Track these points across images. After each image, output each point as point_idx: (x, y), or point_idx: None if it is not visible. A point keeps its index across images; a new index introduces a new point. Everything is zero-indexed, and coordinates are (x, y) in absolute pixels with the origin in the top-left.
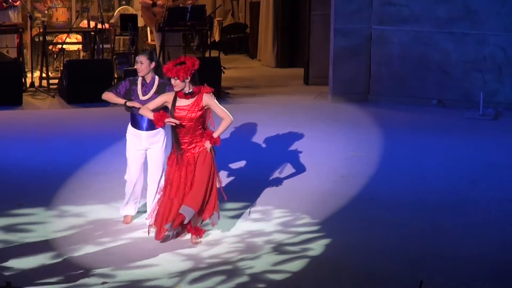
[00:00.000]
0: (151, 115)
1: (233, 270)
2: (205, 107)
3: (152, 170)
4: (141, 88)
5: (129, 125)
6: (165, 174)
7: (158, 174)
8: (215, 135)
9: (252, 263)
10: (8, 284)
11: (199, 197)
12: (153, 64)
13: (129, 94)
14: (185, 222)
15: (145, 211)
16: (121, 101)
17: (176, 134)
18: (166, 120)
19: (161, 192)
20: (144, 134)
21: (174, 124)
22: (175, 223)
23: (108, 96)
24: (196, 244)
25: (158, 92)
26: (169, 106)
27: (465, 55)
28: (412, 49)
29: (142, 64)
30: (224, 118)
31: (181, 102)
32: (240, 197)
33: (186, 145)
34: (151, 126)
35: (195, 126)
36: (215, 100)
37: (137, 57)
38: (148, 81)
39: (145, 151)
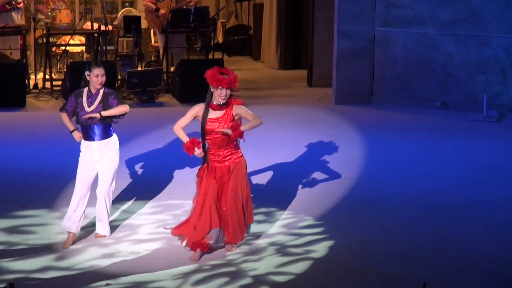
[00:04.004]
0: (185, 139)
1: (236, 272)
2: (235, 117)
3: (102, 181)
4: (87, 99)
5: (82, 139)
6: (197, 186)
7: (106, 186)
8: (241, 128)
9: (255, 265)
10: (11, 286)
11: (239, 210)
12: None
13: (76, 108)
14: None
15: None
16: (69, 127)
17: (207, 149)
18: (196, 153)
19: (194, 204)
20: (95, 144)
21: (201, 156)
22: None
23: (62, 117)
24: (230, 251)
25: (103, 102)
26: (200, 119)
27: (469, 57)
28: (416, 51)
29: (104, 76)
30: (254, 119)
31: (213, 114)
32: None
33: (221, 157)
34: (102, 135)
35: (228, 138)
36: (245, 108)
37: (93, 70)
38: (93, 92)
39: (97, 164)
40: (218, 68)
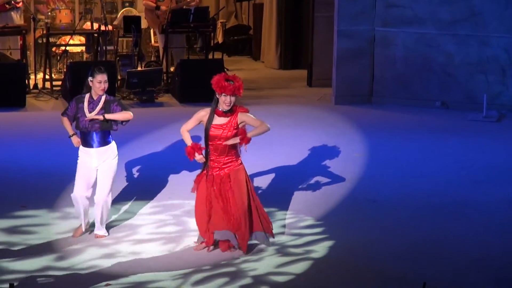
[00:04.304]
0: (189, 142)
1: (236, 272)
2: (240, 124)
3: (100, 188)
4: (88, 105)
5: (80, 145)
6: (192, 190)
7: (105, 193)
8: (248, 135)
9: (255, 265)
10: (12, 286)
11: (247, 217)
12: None
13: (76, 113)
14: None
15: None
16: (69, 131)
17: (208, 154)
18: (197, 158)
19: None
20: (93, 151)
21: (202, 161)
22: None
23: (63, 121)
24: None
25: (105, 109)
26: (204, 124)
27: (469, 57)
28: (416, 51)
29: (106, 83)
30: (261, 125)
31: (218, 121)
32: None
33: (221, 164)
34: (101, 142)
35: (230, 146)
36: (251, 115)
37: (96, 76)
38: (95, 98)
39: (95, 170)
40: (225, 74)
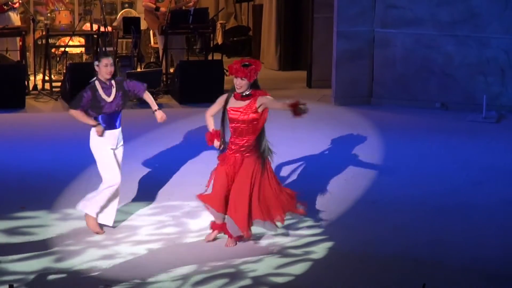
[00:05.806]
0: (211, 128)
1: (235, 273)
2: (259, 108)
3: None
4: (103, 91)
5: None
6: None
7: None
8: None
9: (254, 266)
10: (11, 287)
11: (241, 206)
12: None
13: (94, 101)
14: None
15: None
16: (91, 121)
17: (225, 133)
18: (215, 144)
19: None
20: (117, 132)
21: (219, 148)
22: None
23: (77, 114)
24: (229, 246)
25: (119, 89)
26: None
27: (468, 58)
28: (415, 52)
29: (112, 66)
30: (283, 104)
31: (236, 104)
32: None
33: (238, 146)
34: (120, 123)
35: (248, 129)
36: (270, 97)
37: (102, 60)
38: (107, 83)
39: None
40: (244, 60)
